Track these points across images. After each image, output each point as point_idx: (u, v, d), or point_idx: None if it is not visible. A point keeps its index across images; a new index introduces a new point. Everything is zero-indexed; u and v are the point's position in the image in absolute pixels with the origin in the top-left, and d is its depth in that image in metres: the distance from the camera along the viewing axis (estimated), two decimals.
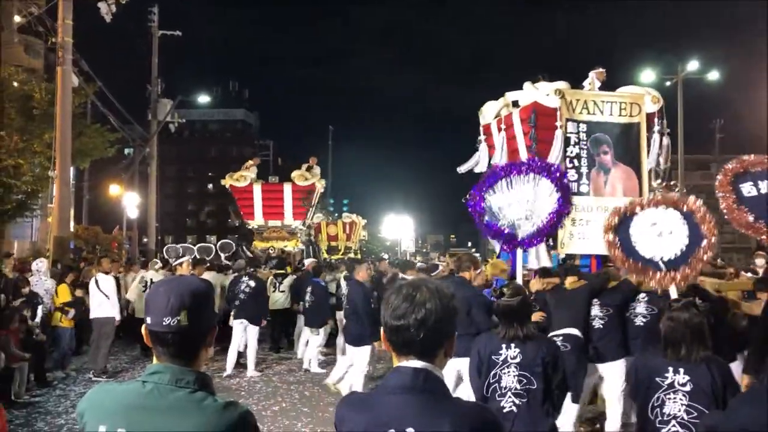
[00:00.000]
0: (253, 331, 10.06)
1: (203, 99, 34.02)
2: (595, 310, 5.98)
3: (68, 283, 10.17)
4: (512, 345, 3.65)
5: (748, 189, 5.10)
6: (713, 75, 27.61)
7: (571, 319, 5.78)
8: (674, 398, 3.23)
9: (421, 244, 72.66)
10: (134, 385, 1.66)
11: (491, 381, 3.68)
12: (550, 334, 5.57)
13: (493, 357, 3.69)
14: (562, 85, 7.47)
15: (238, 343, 10.06)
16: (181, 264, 10.49)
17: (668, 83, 27.14)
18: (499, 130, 8.29)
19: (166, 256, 18.18)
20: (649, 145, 7.58)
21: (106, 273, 10.25)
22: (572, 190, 6.76)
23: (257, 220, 18.00)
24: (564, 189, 6.16)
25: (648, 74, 26.29)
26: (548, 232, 6.15)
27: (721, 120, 38.12)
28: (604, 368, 5.93)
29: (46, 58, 21.97)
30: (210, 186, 78.63)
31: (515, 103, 8.10)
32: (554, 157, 6.97)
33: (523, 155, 7.51)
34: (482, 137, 8.74)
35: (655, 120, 7.62)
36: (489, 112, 8.71)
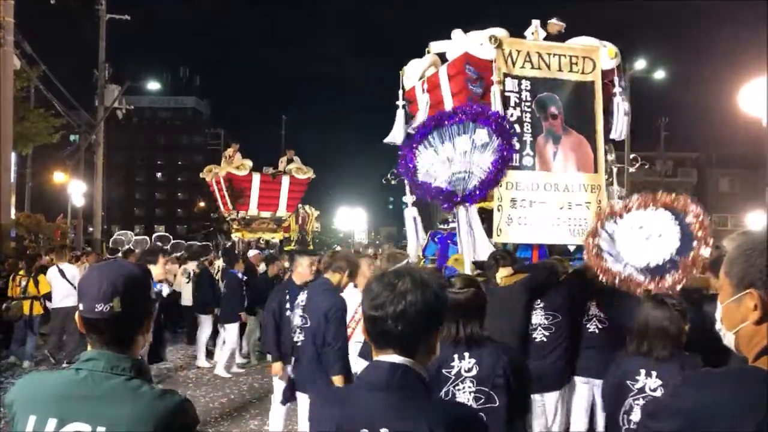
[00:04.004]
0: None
1: (153, 86, 33.17)
2: (537, 317, 4.55)
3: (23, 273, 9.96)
4: (465, 354, 2.81)
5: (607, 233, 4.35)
6: (659, 74, 28.37)
7: (502, 331, 4.11)
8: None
9: (374, 235, 72.67)
10: (67, 372, 1.61)
11: None
12: None
13: (444, 371, 2.80)
14: (498, 32, 6.07)
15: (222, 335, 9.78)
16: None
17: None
18: (423, 92, 6.73)
19: (111, 245, 17.78)
20: (608, 112, 6.34)
21: (70, 263, 10.38)
22: (513, 162, 5.61)
23: (251, 210, 17.83)
24: (505, 133, 5.24)
25: None
26: (491, 185, 5.26)
27: (666, 118, 39.27)
28: (547, 399, 4.55)
29: None
30: (159, 174, 77.17)
31: (444, 59, 6.73)
32: None
33: None
34: (402, 102, 6.94)
35: (615, 80, 6.35)
36: (413, 72, 6.98)
